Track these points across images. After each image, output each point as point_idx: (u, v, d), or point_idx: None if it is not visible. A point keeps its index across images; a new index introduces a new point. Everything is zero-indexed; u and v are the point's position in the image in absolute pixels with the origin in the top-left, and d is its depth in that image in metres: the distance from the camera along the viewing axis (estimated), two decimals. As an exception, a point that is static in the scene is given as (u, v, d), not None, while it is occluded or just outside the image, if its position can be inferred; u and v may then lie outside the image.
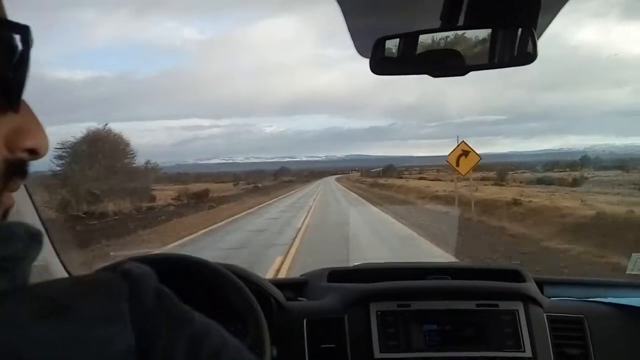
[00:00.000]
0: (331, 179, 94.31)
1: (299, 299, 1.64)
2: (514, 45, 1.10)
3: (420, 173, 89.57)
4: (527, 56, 1.08)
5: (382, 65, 1.16)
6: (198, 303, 0.80)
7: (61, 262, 1.54)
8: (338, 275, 1.71)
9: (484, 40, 1.12)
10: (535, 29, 1.04)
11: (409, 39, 1.12)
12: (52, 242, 1.51)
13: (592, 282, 1.86)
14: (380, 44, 1.12)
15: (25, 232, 0.51)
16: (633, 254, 2.03)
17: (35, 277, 1.35)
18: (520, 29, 1.08)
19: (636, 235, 9.10)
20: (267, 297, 1.36)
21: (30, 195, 1.41)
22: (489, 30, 1.11)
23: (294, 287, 1.69)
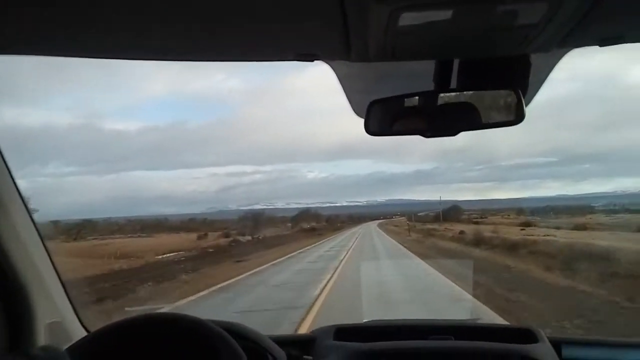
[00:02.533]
0: (372, 226, 71.68)
1: (305, 357, 1.59)
2: (502, 106, 1.14)
3: (482, 217, 65.87)
4: (515, 116, 1.11)
5: (376, 125, 1.17)
6: None
7: (78, 318, 1.54)
8: (345, 332, 1.70)
9: (474, 101, 1.15)
10: (525, 91, 1.09)
11: (402, 102, 1.17)
12: (69, 299, 1.52)
13: (613, 342, 1.72)
14: (373, 105, 1.16)
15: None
16: None
17: (51, 335, 1.33)
18: (508, 91, 1.11)
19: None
20: (266, 357, 1.31)
21: (47, 250, 1.44)
22: (479, 92, 1.15)
23: (301, 344, 1.64)
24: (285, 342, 1.46)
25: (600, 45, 0.94)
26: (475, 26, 0.83)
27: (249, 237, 32.37)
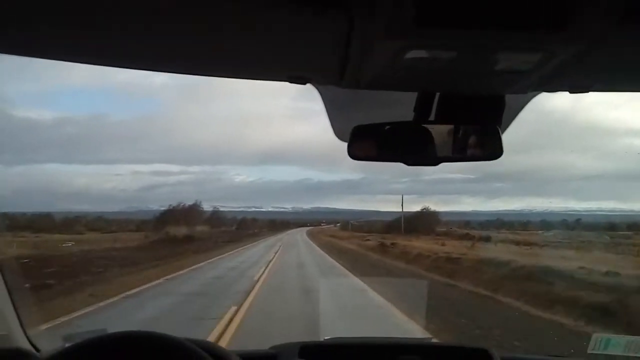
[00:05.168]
0: (299, 236, 47.01)
1: None
2: (481, 141, 1.17)
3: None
4: (493, 152, 1.15)
5: (359, 151, 1.20)
6: None
7: (25, 334, 1.52)
8: (309, 350, 1.66)
9: (454, 134, 1.17)
10: (500, 126, 1.12)
11: (385, 129, 1.18)
12: (17, 312, 1.49)
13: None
14: (358, 131, 1.18)
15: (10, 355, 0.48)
16: (594, 334, 2.12)
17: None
18: (486, 127, 1.15)
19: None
20: None
21: None
22: (459, 125, 1.17)
23: None
24: (248, 358, 1.42)
25: (570, 92, 1.01)
26: (469, 67, 0.88)
27: None
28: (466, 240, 29.91)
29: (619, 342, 2.01)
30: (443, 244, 24.52)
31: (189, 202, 40.77)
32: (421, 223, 43.77)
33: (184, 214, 36.84)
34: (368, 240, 32.61)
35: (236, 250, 25.36)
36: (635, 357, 1.96)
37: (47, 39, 0.85)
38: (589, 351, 2.07)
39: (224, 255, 21.09)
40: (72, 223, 42.48)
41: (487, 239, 30.86)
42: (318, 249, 26.56)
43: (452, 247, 22.15)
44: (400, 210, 45.85)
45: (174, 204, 38.42)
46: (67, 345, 1.22)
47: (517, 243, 26.30)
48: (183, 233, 31.61)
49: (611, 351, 2.01)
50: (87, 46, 0.89)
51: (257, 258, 19.81)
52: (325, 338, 1.82)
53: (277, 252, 22.98)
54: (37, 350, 1.48)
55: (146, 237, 32.11)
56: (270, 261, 17.99)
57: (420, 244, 24.74)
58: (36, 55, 0.92)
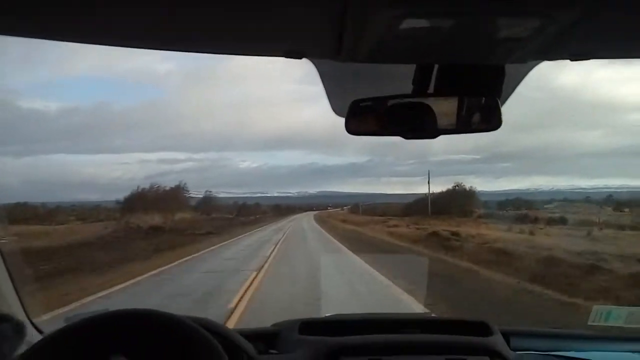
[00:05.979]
0: (305, 222, 39.99)
1: (270, 351, 1.58)
2: (480, 112, 1.16)
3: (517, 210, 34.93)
4: (492, 123, 1.14)
5: (357, 125, 1.18)
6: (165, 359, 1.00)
7: (27, 315, 1.50)
8: (310, 326, 1.67)
9: (453, 106, 1.15)
10: (499, 97, 1.11)
11: (383, 103, 1.16)
12: (18, 295, 1.45)
13: (557, 333, 1.87)
14: (355, 105, 1.16)
15: (11, 327, 0.67)
16: (594, 306, 2.13)
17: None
18: (485, 98, 1.14)
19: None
20: (238, 352, 1.30)
21: None
22: (458, 97, 1.15)
23: (265, 338, 1.62)
24: (249, 336, 1.43)
25: (572, 60, 0.98)
26: (467, 35, 0.85)
27: None
28: (538, 223, 21.98)
29: (619, 314, 2.02)
30: (532, 233, 16.56)
31: (170, 185, 33.00)
32: (454, 204, 35.79)
33: (157, 199, 28.99)
34: (396, 226, 25.02)
35: (208, 249, 17.03)
36: (636, 327, 1.92)
37: (49, 19, 0.82)
38: (589, 323, 2.09)
39: (160, 270, 12.38)
40: (58, 212, 36.38)
41: (564, 221, 22.88)
42: (339, 244, 18.56)
43: (554, 238, 14.23)
44: (413, 192, 42.31)
45: (146, 186, 30.75)
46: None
47: (607, 226, 18.37)
48: (150, 223, 23.90)
49: (612, 322, 2.01)
50: (86, 26, 0.85)
51: (211, 288, 9.53)
52: (326, 315, 1.87)
53: (268, 258, 14.45)
54: (41, 332, 1.47)
55: (105, 228, 24.56)
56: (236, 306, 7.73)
57: (494, 233, 16.81)
58: (39, 36, 0.89)
